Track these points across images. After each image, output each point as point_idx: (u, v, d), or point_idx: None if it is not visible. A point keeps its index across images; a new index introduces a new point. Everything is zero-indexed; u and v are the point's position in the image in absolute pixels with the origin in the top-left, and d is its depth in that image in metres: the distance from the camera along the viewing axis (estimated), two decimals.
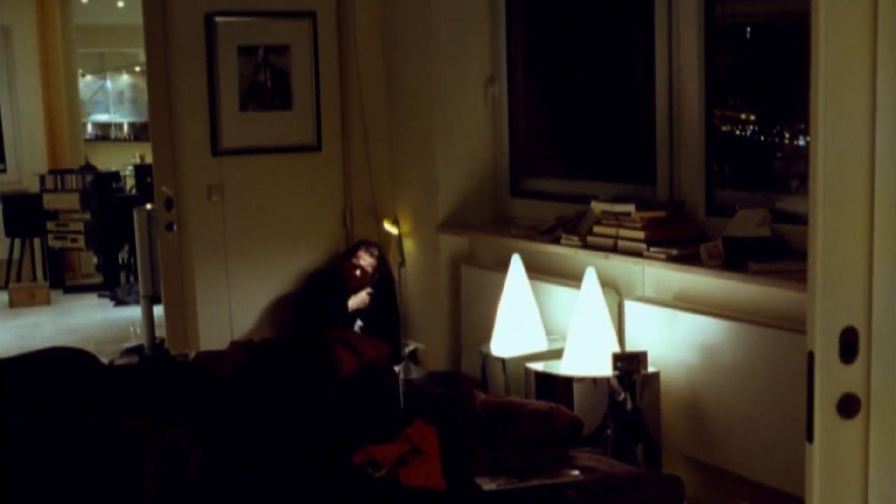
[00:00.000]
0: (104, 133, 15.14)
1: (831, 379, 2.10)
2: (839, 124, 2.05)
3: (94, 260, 10.67)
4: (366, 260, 5.95)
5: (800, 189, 4.30)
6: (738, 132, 4.66)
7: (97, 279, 10.30)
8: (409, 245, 5.93)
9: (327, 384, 4.40)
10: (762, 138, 4.61)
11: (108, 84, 15.39)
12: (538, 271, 5.00)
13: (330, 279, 6.02)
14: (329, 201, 6.20)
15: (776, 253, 3.95)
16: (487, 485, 3.29)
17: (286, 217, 6.08)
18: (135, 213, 6.76)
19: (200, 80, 5.82)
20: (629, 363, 4.16)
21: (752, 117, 4.64)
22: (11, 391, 3.58)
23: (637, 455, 4.19)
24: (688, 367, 4.19)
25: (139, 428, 3.39)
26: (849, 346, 2.09)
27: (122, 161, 12.77)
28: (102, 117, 15.14)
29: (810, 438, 2.12)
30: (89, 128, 14.56)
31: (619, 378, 4.14)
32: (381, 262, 6.01)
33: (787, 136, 4.51)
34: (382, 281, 5.99)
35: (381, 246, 6.06)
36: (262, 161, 6.01)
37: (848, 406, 2.10)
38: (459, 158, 5.69)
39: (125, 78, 15.33)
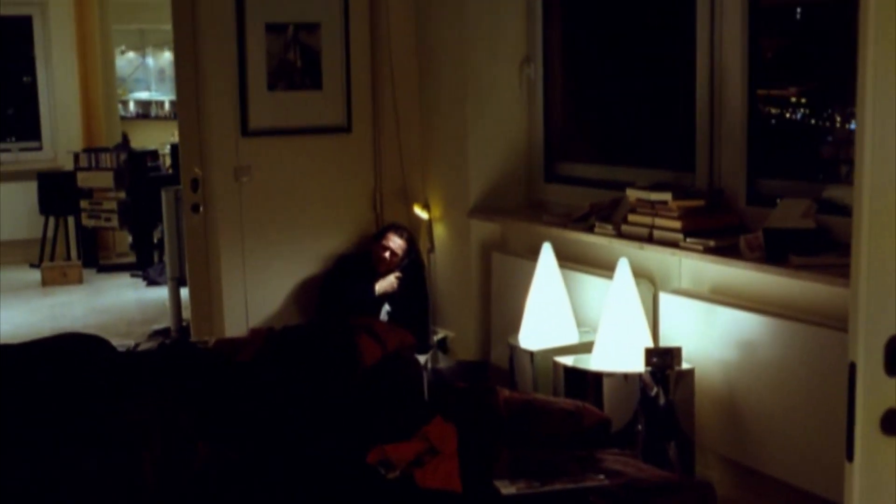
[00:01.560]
0: (145, 111, 15.05)
1: (875, 393, 1.91)
2: (887, 111, 1.86)
3: (129, 239, 10.59)
4: (395, 242, 5.79)
5: (848, 177, 4.08)
6: (782, 117, 4.44)
7: (131, 258, 10.23)
8: (439, 230, 5.76)
9: (349, 375, 4.25)
10: (808, 123, 4.38)
11: (150, 61, 15.30)
12: (571, 260, 4.82)
13: (358, 262, 5.88)
14: (359, 184, 6.05)
15: (820, 246, 3.74)
16: (507, 488, 3.13)
17: (314, 200, 5.94)
18: (163, 194, 6.65)
19: (229, 59, 5.68)
20: (662, 359, 3.97)
21: (799, 100, 4.42)
22: (16, 379, 3.47)
23: (669, 454, 4.00)
24: (724, 364, 4.00)
25: (141, 418, 3.26)
26: (895, 357, 1.90)
27: (162, 139, 12.69)
28: (143, 95, 15.06)
29: (850, 457, 1.94)
30: (132, 105, 14.47)
31: (652, 374, 3.95)
32: (411, 245, 5.85)
33: (836, 120, 4.28)
34: (412, 266, 5.84)
35: (412, 230, 5.90)
36: (290, 142, 5.87)
37: (893, 422, 1.92)
38: (492, 141, 5.51)
39: (167, 55, 15.22)
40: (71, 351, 3.74)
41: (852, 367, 1.91)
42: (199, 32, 5.66)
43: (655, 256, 4.38)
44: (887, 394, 1.92)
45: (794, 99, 4.41)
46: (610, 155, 5.32)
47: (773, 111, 4.42)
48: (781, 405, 3.78)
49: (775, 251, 3.81)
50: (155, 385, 3.79)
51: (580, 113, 5.56)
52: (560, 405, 3.64)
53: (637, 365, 3.99)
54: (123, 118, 12.54)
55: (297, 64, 5.84)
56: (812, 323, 3.67)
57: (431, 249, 5.73)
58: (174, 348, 4.52)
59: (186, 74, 5.76)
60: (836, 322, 3.57)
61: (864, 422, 1.92)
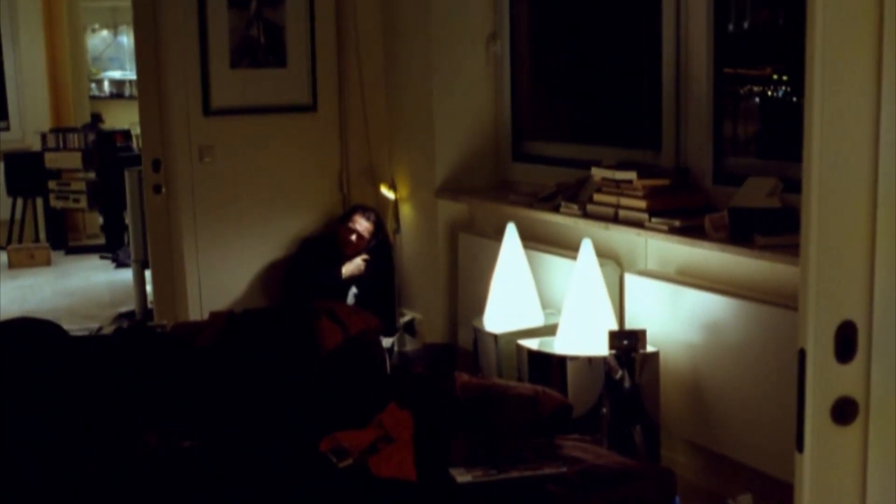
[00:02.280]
0: (119, 90, 14.83)
1: (825, 380, 1.84)
2: (839, 84, 1.78)
3: (100, 220, 10.44)
4: (362, 224, 5.69)
5: None
6: (750, 94, 4.35)
7: (101, 240, 10.09)
8: (406, 210, 5.67)
9: (308, 360, 4.16)
10: (778, 100, 4.30)
11: (124, 39, 15.06)
12: (537, 241, 4.74)
13: (324, 245, 5.79)
14: (325, 164, 5.94)
15: (785, 226, 3.66)
16: (462, 476, 3.04)
17: (279, 180, 5.84)
18: (126, 175, 6.52)
19: (190, 36, 5.55)
20: (628, 341, 3.89)
21: (768, 77, 4.32)
22: None
23: (635, 438, 3.93)
24: (690, 346, 3.92)
25: (87, 413, 3.15)
26: (846, 343, 1.83)
27: (135, 119, 12.46)
28: (116, 74, 14.84)
29: (800, 448, 1.87)
30: (106, 85, 14.25)
31: (617, 357, 3.87)
32: (378, 227, 5.75)
33: (802, 96, 4.18)
34: (379, 247, 5.74)
35: (379, 211, 5.80)
36: (254, 121, 5.76)
37: (844, 411, 1.85)
38: (459, 120, 5.41)
39: None
40: (18, 339, 3.62)
41: (802, 354, 1.85)
42: (159, 8, 5.53)
43: (621, 237, 4.30)
44: (838, 381, 1.85)
45: (757, 76, 4.32)
46: (578, 133, 5.23)
47: (740, 89, 4.33)
48: (748, 388, 3.71)
49: (740, 231, 3.73)
50: (107, 373, 3.68)
51: (548, 91, 5.47)
52: (518, 390, 3.55)
53: (602, 348, 3.92)
54: (97, 98, 12.35)
55: (260, 41, 5.72)
56: (777, 305, 3.60)
57: (397, 230, 5.63)
58: (131, 333, 4.41)
59: (146, 52, 5.65)
60: None
61: (815, 411, 1.85)
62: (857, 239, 1.81)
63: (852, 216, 1.80)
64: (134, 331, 4.52)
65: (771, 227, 3.66)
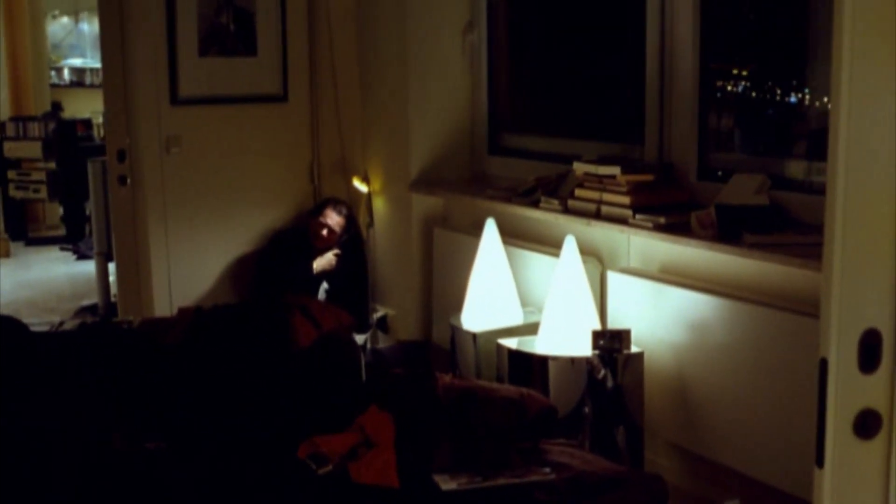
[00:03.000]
0: (79, 79, 14.55)
1: (848, 392, 1.74)
2: (866, 84, 1.67)
3: (60, 211, 10.23)
4: (333, 219, 5.55)
5: (802, 152, 3.91)
6: (736, 89, 4.26)
7: (62, 231, 9.89)
8: (379, 204, 5.53)
9: (281, 358, 4.02)
10: (763, 96, 4.21)
11: (85, 26, 14.77)
12: (515, 236, 4.63)
13: (295, 238, 5.64)
14: (295, 155, 5.81)
15: (774, 224, 3.58)
16: (447, 483, 2.93)
17: (249, 172, 5.70)
18: (89, 165, 6.34)
19: (157, 22, 5.38)
20: (611, 342, 3.79)
21: (754, 73, 4.23)
22: None
23: (617, 439, 3.83)
24: (674, 347, 3.83)
25: (53, 412, 3.01)
26: (870, 352, 1.73)
27: (97, 108, 12.23)
28: (77, 62, 14.55)
29: (820, 462, 1.76)
30: (66, 73, 13.97)
31: (600, 357, 3.77)
32: (350, 221, 5.62)
33: (790, 94, 4.10)
34: (351, 242, 5.61)
35: (351, 204, 5.66)
36: (223, 111, 5.61)
37: (867, 424, 1.75)
38: (434, 111, 5.28)
39: None
40: None
41: (823, 364, 1.73)
42: None
43: (603, 233, 4.19)
44: (861, 393, 1.74)
45: (744, 72, 4.22)
46: (557, 126, 5.12)
47: (726, 84, 4.24)
48: (734, 390, 3.62)
49: (728, 228, 3.64)
50: (70, 371, 3.53)
51: (526, 82, 5.35)
52: (503, 393, 3.43)
53: (584, 348, 3.81)
54: (57, 86, 12.09)
55: (230, 28, 5.56)
56: (765, 304, 3.51)
57: (371, 224, 5.50)
58: (95, 329, 4.25)
59: (112, 39, 5.46)
60: (790, 303, 3.41)
61: (836, 424, 1.74)
62: (882, 243, 1.71)
63: (877, 220, 1.70)
64: (98, 327, 4.35)
65: (760, 225, 3.57)
